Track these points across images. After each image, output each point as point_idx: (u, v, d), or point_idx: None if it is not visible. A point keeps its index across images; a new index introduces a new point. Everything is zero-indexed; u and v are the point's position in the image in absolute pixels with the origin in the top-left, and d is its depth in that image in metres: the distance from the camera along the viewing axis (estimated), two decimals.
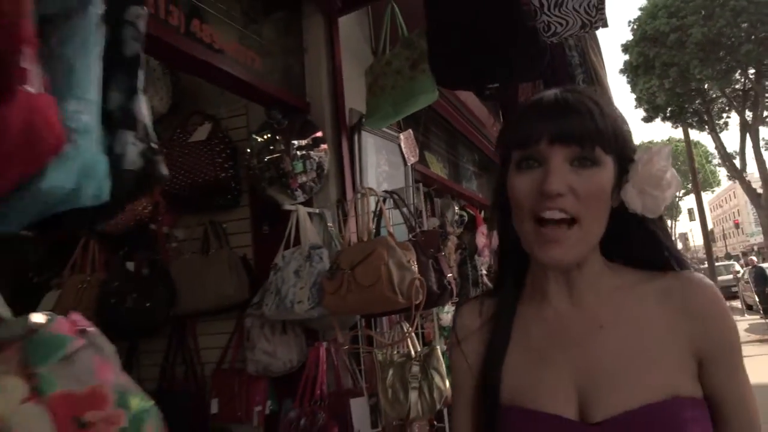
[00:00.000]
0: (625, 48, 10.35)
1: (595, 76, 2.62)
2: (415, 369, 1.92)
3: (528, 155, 0.68)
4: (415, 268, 1.75)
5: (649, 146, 0.72)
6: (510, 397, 0.71)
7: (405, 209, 2.11)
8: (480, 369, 0.75)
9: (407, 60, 2.43)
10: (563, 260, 0.66)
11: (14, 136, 0.53)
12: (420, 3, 2.41)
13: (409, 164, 3.07)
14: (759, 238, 28.40)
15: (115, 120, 0.66)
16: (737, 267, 14.38)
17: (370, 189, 2.05)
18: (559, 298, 0.73)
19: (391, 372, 1.96)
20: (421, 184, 3.26)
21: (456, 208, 4.42)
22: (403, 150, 3.05)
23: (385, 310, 1.79)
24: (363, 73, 2.72)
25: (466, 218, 4.58)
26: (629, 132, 0.72)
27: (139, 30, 0.74)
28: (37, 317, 0.58)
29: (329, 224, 2.26)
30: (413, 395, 1.87)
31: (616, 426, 0.64)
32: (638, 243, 0.73)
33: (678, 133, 15.26)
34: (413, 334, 1.97)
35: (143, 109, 0.71)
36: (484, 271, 3.57)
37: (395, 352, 2.03)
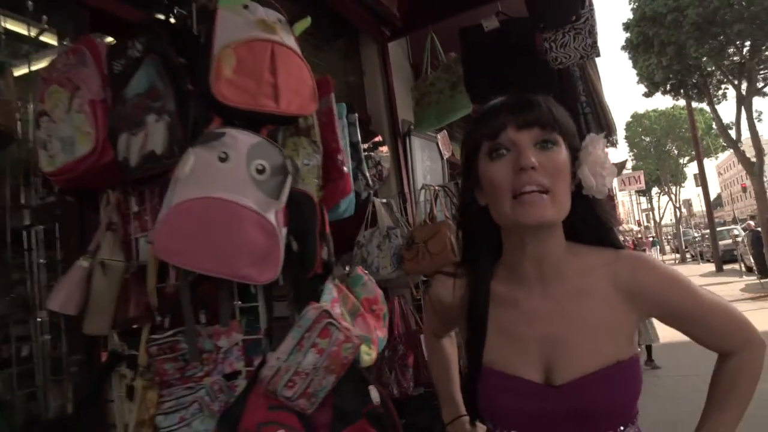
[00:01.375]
0: (626, 26, 10.91)
1: (591, 85, 3.35)
2: None
3: (497, 144, 0.77)
4: None
5: (591, 134, 0.82)
6: (488, 361, 0.83)
7: (454, 198, 2.90)
8: (464, 340, 0.87)
9: (447, 82, 3.19)
10: (543, 217, 0.75)
11: (342, 192, 1.32)
12: (451, 31, 3.17)
13: (445, 158, 3.84)
14: None
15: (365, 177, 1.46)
16: (736, 231, 15.11)
17: (429, 185, 2.83)
18: (531, 280, 0.82)
19: None
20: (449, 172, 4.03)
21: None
22: (440, 147, 3.81)
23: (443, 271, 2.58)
24: (406, 87, 3.49)
25: None
26: (575, 127, 0.83)
27: (356, 127, 1.52)
28: (348, 270, 1.38)
29: (394, 211, 3.04)
30: None
31: (572, 388, 0.77)
32: (590, 223, 0.84)
33: (681, 103, 15.76)
34: None
35: (365, 168, 1.50)
36: None
37: None
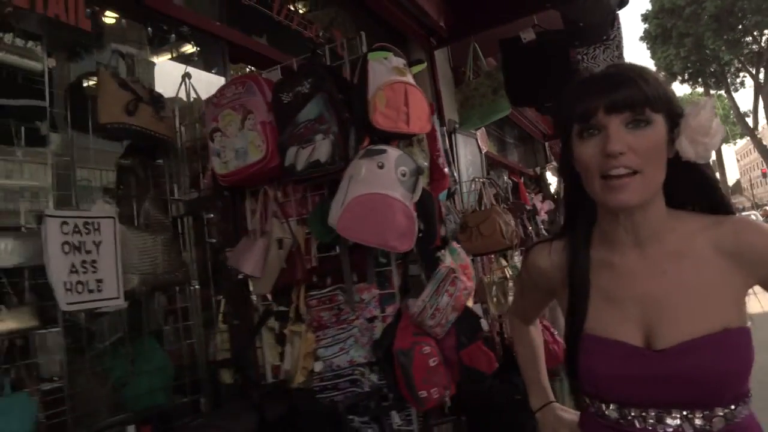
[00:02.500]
0: (645, 17, 11.16)
1: None
2: (511, 284, 3.19)
3: (588, 126, 0.77)
4: (512, 224, 3.00)
5: (695, 101, 0.79)
6: (588, 327, 0.82)
7: (498, 189, 3.35)
8: (567, 306, 0.86)
9: (489, 87, 3.63)
10: (630, 202, 0.75)
11: (442, 187, 1.78)
12: (490, 40, 3.59)
13: (483, 152, 4.28)
14: None
15: None
16: (753, 217, 15.33)
17: (477, 177, 3.29)
18: (627, 248, 0.81)
19: (494, 288, 3.23)
20: None
21: (505, 176, 5.63)
22: (479, 142, 4.25)
23: (495, 250, 3.04)
24: (449, 90, 3.94)
25: (511, 184, 5.79)
26: (673, 92, 0.79)
27: (445, 136, 1.97)
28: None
29: (445, 200, 3.50)
30: (510, 299, 3.14)
31: (677, 353, 0.74)
32: (693, 187, 0.82)
33: (699, 90, 15.97)
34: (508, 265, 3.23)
35: (452, 168, 1.95)
36: (543, 227, 4.81)
37: (495, 277, 3.30)
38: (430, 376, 1.47)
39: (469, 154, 4.11)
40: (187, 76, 2.23)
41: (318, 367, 1.72)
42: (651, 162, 0.76)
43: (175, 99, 2.12)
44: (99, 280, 1.50)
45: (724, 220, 0.81)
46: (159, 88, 2.03)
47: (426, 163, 1.74)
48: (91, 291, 1.47)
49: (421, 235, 1.56)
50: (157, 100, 1.99)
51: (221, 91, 1.88)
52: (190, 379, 2.08)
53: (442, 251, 1.65)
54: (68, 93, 1.82)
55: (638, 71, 0.78)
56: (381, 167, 1.47)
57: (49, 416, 1.45)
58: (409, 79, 1.61)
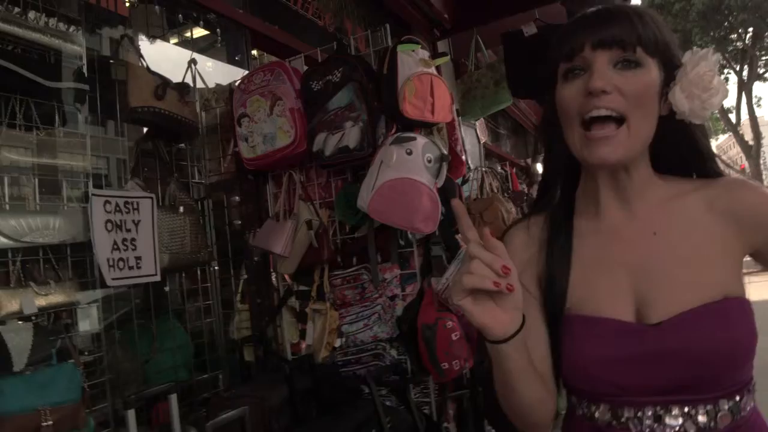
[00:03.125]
0: None
1: None
2: None
3: (573, 66, 0.69)
4: (513, 211, 3.12)
5: (696, 49, 0.71)
6: (570, 306, 0.73)
7: (499, 180, 3.46)
8: (544, 282, 0.76)
9: (491, 79, 3.72)
10: (610, 157, 0.67)
11: (459, 173, 1.88)
12: (491, 32, 3.68)
13: (481, 142, 4.38)
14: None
15: None
16: None
17: (479, 167, 3.39)
18: (612, 208, 0.74)
19: None
20: None
21: (498, 166, 5.76)
22: (478, 132, 4.35)
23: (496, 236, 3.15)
24: (450, 80, 4.02)
25: (504, 174, 5.92)
26: (673, 39, 0.72)
27: (461, 125, 2.07)
28: None
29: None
30: None
31: (674, 326, 0.65)
32: (686, 153, 0.75)
33: None
34: None
35: (467, 155, 2.05)
36: None
37: None
38: (452, 349, 1.58)
39: (468, 144, 4.20)
40: (192, 62, 2.28)
41: (338, 342, 1.82)
42: (638, 108, 0.68)
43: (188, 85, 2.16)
44: (138, 257, 1.57)
45: (717, 180, 0.74)
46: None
47: (445, 150, 1.83)
48: (131, 268, 1.55)
49: (443, 218, 1.65)
50: (183, 85, 2.04)
51: (249, 77, 1.95)
52: (210, 356, 2.16)
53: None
54: (97, 76, 1.87)
55: (636, 10, 0.71)
56: (409, 153, 1.56)
57: (90, 385, 1.52)
58: (434, 70, 1.70)
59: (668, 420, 0.66)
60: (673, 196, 0.74)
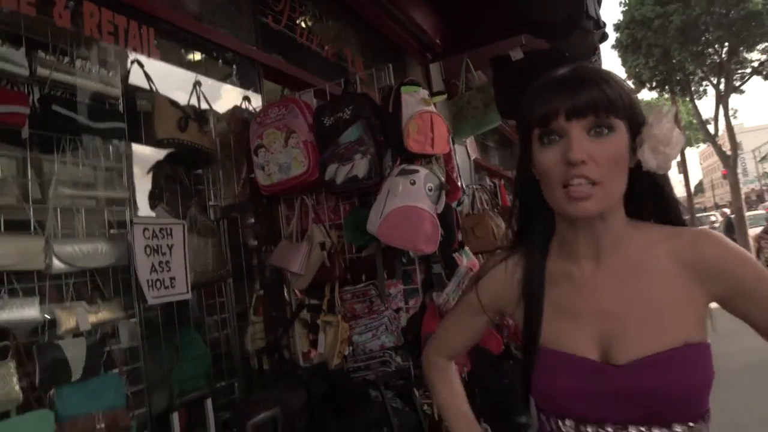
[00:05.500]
0: (617, 27, 11.76)
1: None
2: None
3: (548, 131, 0.74)
4: (503, 226, 3.34)
5: (658, 107, 0.78)
6: (544, 341, 0.82)
7: (489, 195, 3.70)
8: (521, 319, 0.85)
9: (481, 101, 3.96)
10: (591, 210, 0.73)
11: (455, 197, 2.09)
12: (481, 55, 3.92)
13: (472, 158, 4.63)
14: (746, 188, 30.61)
15: None
16: (713, 218, 16.32)
17: (470, 185, 3.62)
18: (586, 257, 0.80)
19: None
20: None
21: (486, 179, 6.00)
22: (468, 149, 4.60)
23: (487, 250, 3.38)
24: (442, 101, 4.25)
25: (493, 187, 6.17)
26: (636, 99, 0.78)
27: (457, 152, 2.29)
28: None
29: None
30: None
31: (636, 369, 0.73)
32: (652, 199, 0.81)
33: (666, 97, 16.97)
34: None
35: (462, 181, 2.27)
36: None
37: None
38: None
39: (459, 161, 4.44)
40: (197, 84, 2.45)
41: (346, 351, 2.02)
42: (612, 172, 0.74)
43: (207, 110, 2.34)
44: (172, 278, 1.76)
45: (684, 231, 0.80)
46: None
47: (443, 178, 2.05)
48: (166, 287, 1.73)
49: (442, 239, 1.87)
50: (201, 116, 2.24)
51: (265, 111, 2.15)
52: (226, 366, 2.35)
53: (458, 253, 1.96)
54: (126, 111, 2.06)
55: (602, 74, 0.76)
56: (413, 184, 1.77)
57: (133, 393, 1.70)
58: (433, 108, 1.92)
59: None
60: (643, 247, 0.79)
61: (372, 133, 1.86)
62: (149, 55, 1.83)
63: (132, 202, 1.99)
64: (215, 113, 2.60)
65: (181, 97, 2.22)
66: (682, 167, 18.44)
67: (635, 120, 0.77)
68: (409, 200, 1.76)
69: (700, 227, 0.85)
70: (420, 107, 1.85)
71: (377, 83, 2.10)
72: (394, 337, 1.92)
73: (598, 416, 0.76)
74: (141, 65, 2.01)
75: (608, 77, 0.76)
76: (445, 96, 2.04)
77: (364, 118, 1.87)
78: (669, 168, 0.79)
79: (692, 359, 0.74)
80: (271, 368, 2.26)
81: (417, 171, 1.78)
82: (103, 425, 1.48)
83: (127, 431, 1.58)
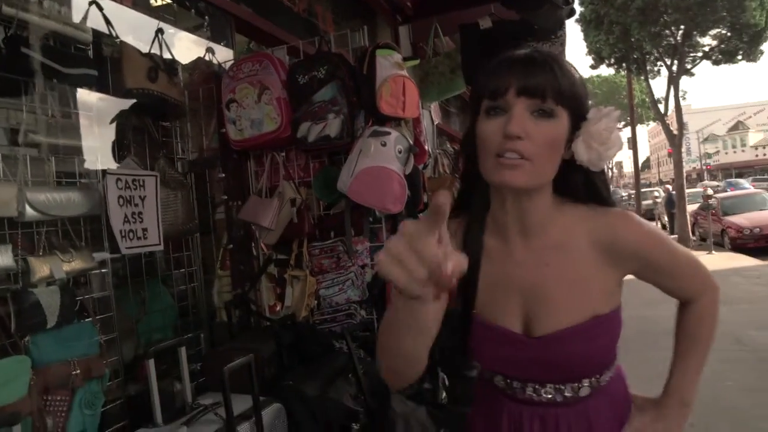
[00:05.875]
0: (582, 1, 11.93)
1: None
2: None
3: (496, 105, 0.78)
4: None
5: (600, 107, 0.80)
6: (476, 310, 0.89)
7: (450, 160, 3.81)
8: (458, 287, 0.87)
9: (448, 67, 4.02)
10: (516, 182, 0.77)
11: (422, 160, 2.18)
12: (450, 21, 3.95)
13: (435, 123, 4.70)
14: (688, 167, 32.29)
15: None
16: (656, 193, 17.24)
17: (435, 149, 3.72)
18: (514, 233, 0.86)
19: None
20: None
21: (447, 144, 6.13)
22: (432, 114, 4.66)
23: None
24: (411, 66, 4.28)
25: (453, 152, 6.30)
26: (585, 92, 0.82)
27: (424, 116, 2.36)
28: None
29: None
30: None
31: (550, 341, 0.84)
32: (582, 190, 0.87)
33: (622, 74, 17.49)
34: None
35: (429, 143, 2.35)
36: None
37: None
38: None
39: (425, 125, 4.51)
40: (159, 32, 2.38)
41: (313, 303, 2.11)
42: (544, 154, 0.78)
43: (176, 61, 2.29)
44: (144, 229, 1.78)
45: (603, 212, 0.86)
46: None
47: (412, 141, 2.13)
48: (139, 238, 1.75)
49: (408, 200, 1.96)
50: (171, 66, 2.20)
51: (238, 65, 2.14)
52: (193, 318, 2.40)
53: (423, 214, 2.07)
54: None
55: (558, 61, 0.80)
56: (384, 145, 1.84)
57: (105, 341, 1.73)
58: (405, 72, 1.98)
59: (542, 393, 0.90)
60: (566, 227, 0.86)
61: (346, 94, 1.90)
62: (121, 2, 1.78)
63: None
64: (178, 63, 2.57)
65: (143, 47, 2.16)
66: (632, 144, 19.17)
67: (579, 112, 0.81)
68: (380, 161, 1.83)
69: (617, 208, 0.88)
70: (394, 71, 1.90)
71: (351, 44, 2.12)
72: (360, 291, 2.02)
73: (521, 377, 0.89)
74: (100, 8, 1.94)
75: (564, 67, 0.80)
76: (417, 61, 2.09)
77: (339, 79, 1.90)
78: (601, 167, 0.84)
79: (599, 329, 0.85)
80: (239, 320, 2.33)
81: (389, 133, 1.84)
82: (78, 371, 1.52)
83: (101, 378, 1.63)
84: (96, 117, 1.84)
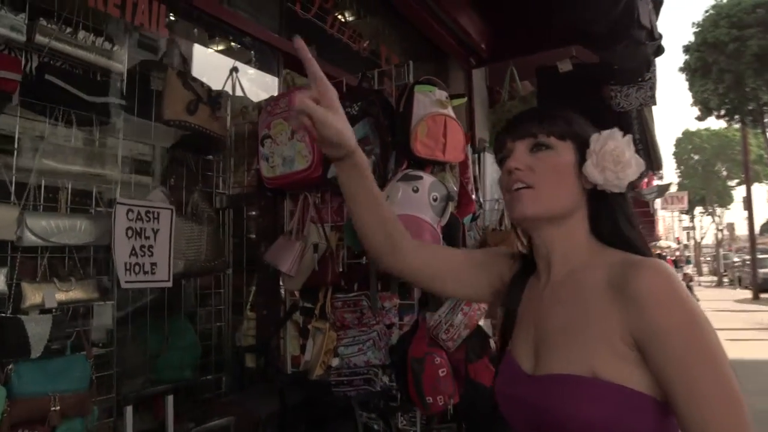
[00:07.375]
0: (686, 49, 11.09)
1: (645, 126, 3.83)
2: None
3: (503, 155, 0.87)
4: None
5: (601, 131, 0.82)
6: (510, 344, 0.90)
7: None
8: (502, 316, 0.94)
9: None
10: (525, 211, 0.81)
11: (468, 211, 1.92)
12: (527, 65, 3.70)
13: None
14: None
15: None
16: None
17: (498, 199, 3.42)
18: (543, 270, 0.87)
19: None
20: None
21: None
22: None
23: None
24: (482, 109, 4.07)
25: None
26: (586, 130, 0.84)
27: (475, 164, 2.11)
28: None
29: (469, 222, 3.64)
30: None
31: (543, 381, 0.77)
32: (607, 219, 0.83)
33: (735, 127, 15.84)
34: None
35: (479, 194, 2.09)
36: None
37: None
38: (438, 385, 1.62)
39: (494, 172, 4.23)
40: (234, 70, 2.40)
41: (335, 362, 1.88)
42: (548, 180, 0.81)
43: (225, 94, 2.27)
44: (153, 264, 1.68)
45: (634, 259, 0.75)
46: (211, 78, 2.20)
47: (456, 188, 1.89)
48: (146, 273, 1.66)
49: None
50: (215, 100, 2.17)
51: (275, 100, 2.06)
52: (216, 359, 2.27)
53: None
54: (136, 87, 2.01)
55: (547, 112, 0.86)
56: (416, 191, 1.62)
57: (99, 377, 1.63)
58: (450, 112, 1.76)
59: None
60: (589, 267, 0.80)
61: (379, 133, 1.72)
62: (158, 32, 1.76)
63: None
64: (249, 101, 2.56)
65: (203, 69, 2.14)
66: (747, 204, 17.22)
67: (582, 141, 0.83)
68: (409, 209, 1.61)
69: (652, 258, 0.76)
70: (433, 108, 1.70)
71: (396, 81, 1.95)
72: (382, 354, 1.77)
73: (513, 423, 0.82)
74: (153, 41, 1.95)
75: (556, 108, 0.87)
76: (464, 99, 1.87)
77: (372, 116, 1.73)
78: (621, 187, 0.80)
79: (598, 395, 0.69)
80: (258, 368, 2.17)
81: (421, 178, 1.62)
82: (58, 407, 1.41)
83: (87, 416, 1.51)
84: (124, 145, 1.80)
